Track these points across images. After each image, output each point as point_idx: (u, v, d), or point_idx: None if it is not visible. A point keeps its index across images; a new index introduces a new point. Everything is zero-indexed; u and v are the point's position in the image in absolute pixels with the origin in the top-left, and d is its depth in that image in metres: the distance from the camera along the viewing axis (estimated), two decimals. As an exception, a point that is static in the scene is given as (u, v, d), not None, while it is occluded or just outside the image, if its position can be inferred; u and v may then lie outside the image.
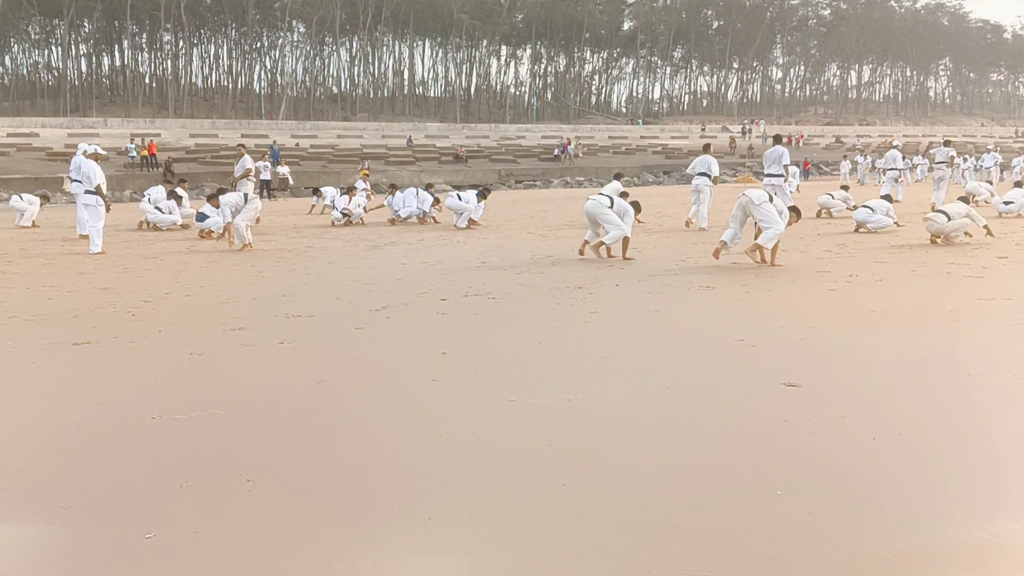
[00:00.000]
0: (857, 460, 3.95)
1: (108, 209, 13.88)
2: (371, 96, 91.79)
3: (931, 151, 31.39)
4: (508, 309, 8.11)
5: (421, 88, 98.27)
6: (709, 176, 16.63)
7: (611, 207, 11.87)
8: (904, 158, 28.08)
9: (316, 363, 5.98)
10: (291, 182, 39.37)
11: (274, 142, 47.61)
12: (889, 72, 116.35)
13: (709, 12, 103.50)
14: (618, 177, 20.39)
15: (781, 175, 16.03)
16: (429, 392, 5.20)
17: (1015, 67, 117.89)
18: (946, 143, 23.86)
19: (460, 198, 17.96)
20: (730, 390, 5.20)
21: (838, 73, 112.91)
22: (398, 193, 19.87)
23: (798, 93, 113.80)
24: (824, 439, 4.25)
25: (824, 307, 8.05)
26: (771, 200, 10.83)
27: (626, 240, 11.88)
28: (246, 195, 14.02)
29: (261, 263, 12.07)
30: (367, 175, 37.34)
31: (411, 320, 7.62)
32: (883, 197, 16.90)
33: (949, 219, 12.87)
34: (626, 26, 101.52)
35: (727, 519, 3.34)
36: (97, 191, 13.64)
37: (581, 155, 54.59)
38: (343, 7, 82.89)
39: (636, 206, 12.85)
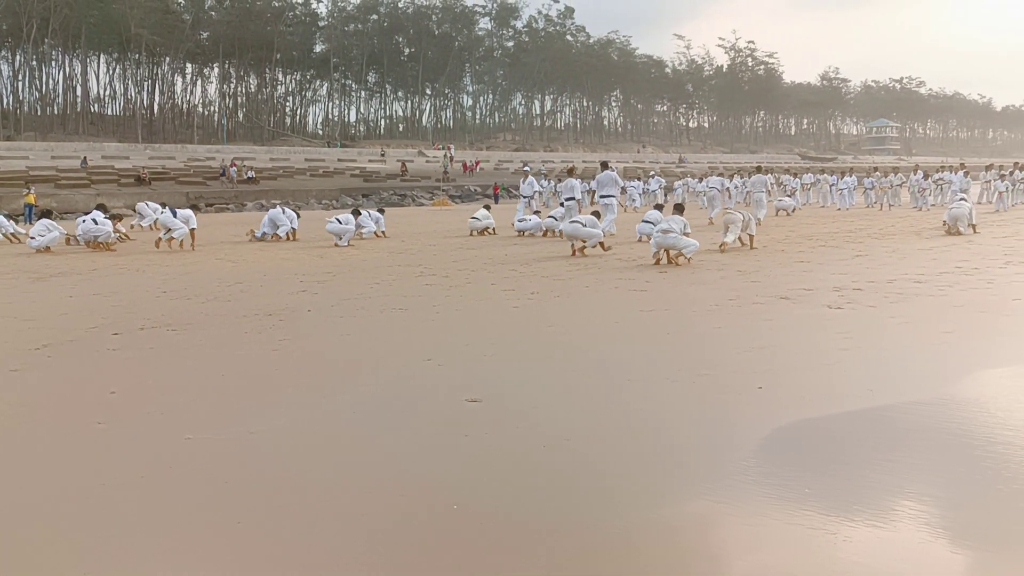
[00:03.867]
0: (529, 469, 4.17)
1: None
2: (38, 114, 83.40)
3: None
4: (190, 341, 7.69)
5: (97, 105, 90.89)
6: (575, 198, 19.38)
7: (584, 226, 15.40)
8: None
9: (-42, 413, 5.29)
10: (-60, 208, 34.77)
11: (-81, 163, 41.85)
12: (569, 102, 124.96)
13: (400, 39, 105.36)
14: (488, 208, 23.59)
15: (613, 195, 19.01)
16: (94, 436, 4.79)
17: (676, 99, 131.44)
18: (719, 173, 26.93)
19: (340, 221, 19.18)
20: (416, 410, 5.30)
21: (523, 102, 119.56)
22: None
23: (488, 120, 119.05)
24: (500, 451, 4.44)
25: (508, 324, 8.44)
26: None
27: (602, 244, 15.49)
28: None
29: None
30: (34, 200, 33.90)
31: (77, 358, 6.99)
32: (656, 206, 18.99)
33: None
34: (319, 48, 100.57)
35: (403, 538, 3.38)
36: None
37: (246, 177, 52.25)
38: (3, 18, 74.70)
39: (598, 215, 16.58)
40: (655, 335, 7.58)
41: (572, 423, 4.93)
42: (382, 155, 71.67)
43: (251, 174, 52.57)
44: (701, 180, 42.06)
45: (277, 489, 3.94)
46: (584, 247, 15.25)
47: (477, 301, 9.96)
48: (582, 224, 15.44)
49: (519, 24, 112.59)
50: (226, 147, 69.94)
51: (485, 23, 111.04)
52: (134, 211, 28.47)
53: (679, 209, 14.16)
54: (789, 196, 31.63)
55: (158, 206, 26.11)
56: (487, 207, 24.33)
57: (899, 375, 5.90)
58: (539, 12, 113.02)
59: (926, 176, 32.22)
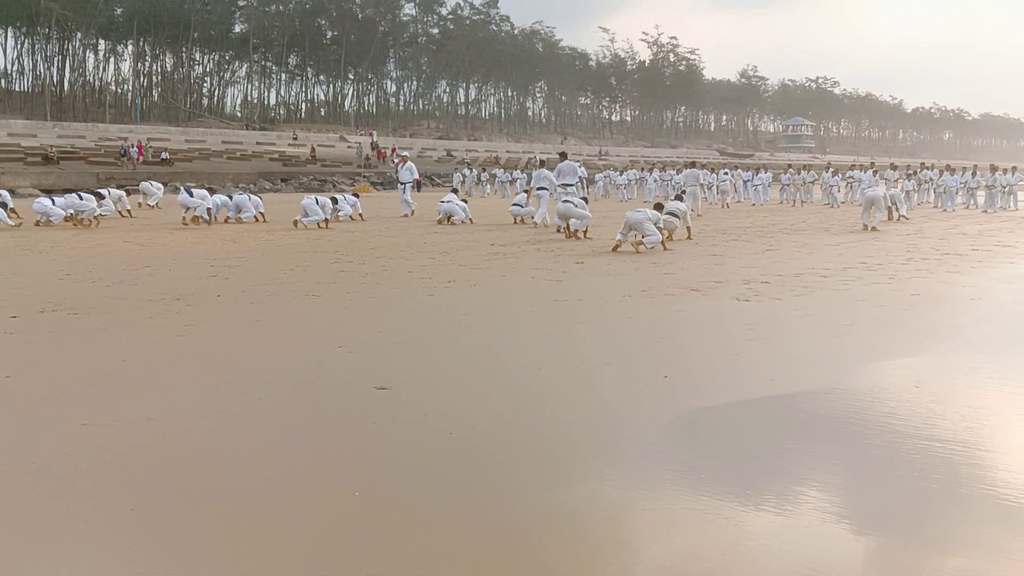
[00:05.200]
0: (435, 456, 4.17)
1: None
2: (-60, 88, 79.76)
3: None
4: (92, 324, 7.45)
5: (3, 81, 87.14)
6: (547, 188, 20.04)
7: (577, 206, 16.46)
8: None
9: None
10: None
11: None
12: (493, 91, 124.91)
13: (323, 21, 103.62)
14: (455, 192, 24.29)
15: (574, 184, 19.39)
16: (-17, 422, 4.61)
17: (599, 92, 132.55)
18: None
19: (318, 201, 19.63)
20: (323, 397, 5.23)
21: (448, 90, 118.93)
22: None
23: (412, 107, 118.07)
24: (406, 438, 4.43)
25: (422, 312, 8.41)
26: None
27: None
28: None
29: None
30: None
31: (-30, 341, 6.71)
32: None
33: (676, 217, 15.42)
34: (238, 28, 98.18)
35: (305, 523, 3.34)
36: None
37: (160, 159, 50.74)
38: (-101, -15, 70.92)
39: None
40: (567, 325, 7.65)
41: (481, 411, 4.94)
42: (295, 139, 70.25)
43: (165, 155, 51.10)
44: (622, 173, 42.69)
45: (174, 476, 3.86)
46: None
47: (392, 289, 9.90)
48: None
49: (444, 11, 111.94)
50: (139, 127, 67.91)
51: (410, 8, 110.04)
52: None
53: (659, 207, 15.24)
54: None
55: (160, 185, 27.96)
56: (455, 190, 25.05)
57: (800, 366, 6.09)
58: (464, 0, 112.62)
59: (835, 173, 33.27)
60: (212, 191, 21.36)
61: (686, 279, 10.37)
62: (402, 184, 24.92)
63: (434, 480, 3.86)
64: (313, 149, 63.46)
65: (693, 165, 27.71)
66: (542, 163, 21.70)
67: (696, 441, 4.45)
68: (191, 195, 19.55)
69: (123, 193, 23.21)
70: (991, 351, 6.69)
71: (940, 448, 4.25)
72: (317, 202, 19.31)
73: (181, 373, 5.80)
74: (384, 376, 5.62)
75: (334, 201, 20.55)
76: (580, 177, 20.71)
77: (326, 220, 19.43)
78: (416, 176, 25.09)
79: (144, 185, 27.47)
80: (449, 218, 20.73)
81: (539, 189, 20.41)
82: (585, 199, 19.35)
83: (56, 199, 19.87)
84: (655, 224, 13.86)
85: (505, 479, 3.89)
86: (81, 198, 19.31)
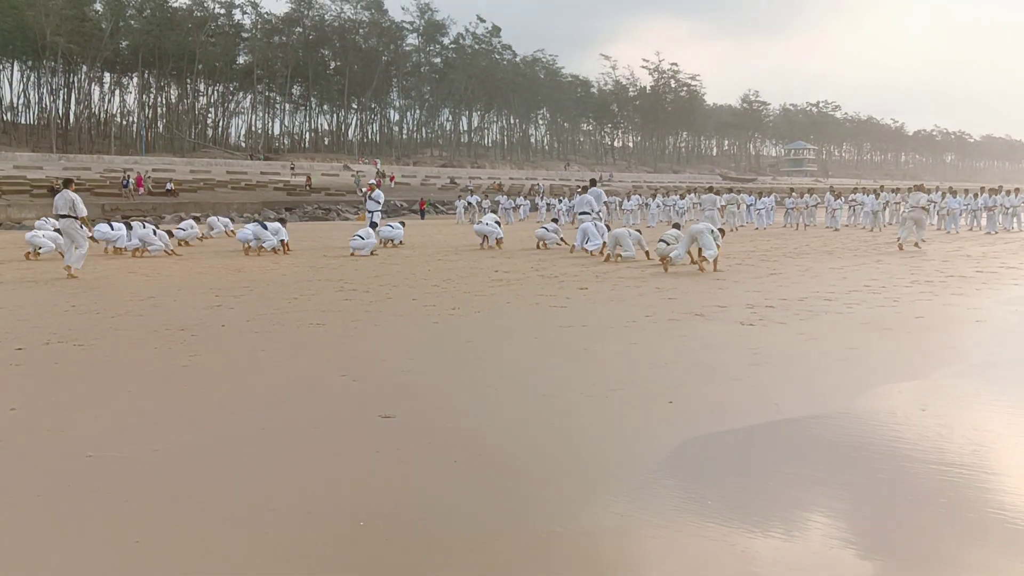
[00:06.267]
0: (440, 484, 4.16)
1: None
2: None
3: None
4: (97, 356, 7.47)
5: (10, 114, 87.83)
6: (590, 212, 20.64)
7: (629, 235, 17.53)
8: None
9: None
10: None
11: None
12: (496, 119, 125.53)
13: (326, 52, 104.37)
14: (493, 211, 26.19)
15: (599, 210, 20.74)
16: (-12, 454, 4.61)
17: (601, 119, 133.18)
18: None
19: (362, 237, 20.33)
20: (326, 426, 5.23)
21: (451, 118, 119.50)
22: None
23: (416, 135, 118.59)
24: (411, 466, 4.42)
25: (426, 340, 8.40)
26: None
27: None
28: None
29: None
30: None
31: (-24, 374, 6.72)
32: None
33: (667, 244, 15.42)
34: (242, 60, 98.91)
35: (310, 553, 3.33)
36: None
37: (166, 189, 51.13)
38: (-90, 21, 71.58)
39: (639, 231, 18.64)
40: (572, 351, 7.65)
41: (486, 438, 4.93)
42: (292, 168, 70.36)
43: (170, 186, 51.37)
44: (628, 198, 42.85)
45: (178, 507, 3.85)
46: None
47: (396, 316, 9.91)
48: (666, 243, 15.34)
49: (446, 40, 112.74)
50: (144, 158, 68.28)
51: (412, 39, 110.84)
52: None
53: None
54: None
55: (227, 220, 31.16)
56: (493, 211, 25.90)
57: (804, 390, 6.07)
58: (466, 30, 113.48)
59: (836, 197, 33.43)
60: (283, 221, 22.64)
61: (690, 304, 10.37)
62: (370, 212, 25.47)
63: (439, 508, 3.85)
64: (309, 178, 63.60)
65: (711, 190, 28.44)
66: (584, 189, 22.73)
67: (702, 467, 4.44)
68: (265, 228, 20.66)
69: (193, 222, 25.35)
70: (997, 373, 6.67)
71: (947, 472, 4.24)
72: (361, 237, 20.06)
73: (186, 404, 5.80)
74: (388, 404, 5.62)
75: (374, 226, 21.73)
76: (604, 203, 22.00)
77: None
78: (380, 204, 25.89)
79: (211, 220, 30.35)
80: (485, 238, 22.11)
81: (581, 214, 21.34)
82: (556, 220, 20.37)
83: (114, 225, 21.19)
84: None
85: (510, 506, 3.87)
86: (155, 232, 20.51)
